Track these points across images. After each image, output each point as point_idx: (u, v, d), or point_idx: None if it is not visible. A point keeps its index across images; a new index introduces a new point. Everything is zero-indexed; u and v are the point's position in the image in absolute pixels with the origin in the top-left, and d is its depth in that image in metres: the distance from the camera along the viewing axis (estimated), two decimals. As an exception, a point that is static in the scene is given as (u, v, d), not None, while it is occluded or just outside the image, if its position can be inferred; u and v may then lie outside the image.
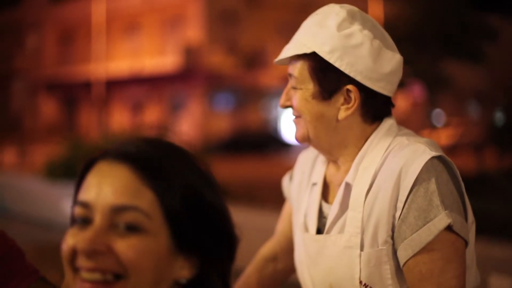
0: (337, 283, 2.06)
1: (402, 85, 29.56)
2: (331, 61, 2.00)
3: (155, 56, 42.74)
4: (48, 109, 50.84)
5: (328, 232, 2.10)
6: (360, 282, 2.00)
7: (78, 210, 1.31)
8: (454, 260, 1.91)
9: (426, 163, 1.92)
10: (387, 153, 2.02)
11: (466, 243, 1.96)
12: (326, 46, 2.01)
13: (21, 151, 26.22)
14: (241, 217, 8.63)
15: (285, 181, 2.46)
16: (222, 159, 24.24)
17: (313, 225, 2.17)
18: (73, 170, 13.60)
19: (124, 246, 1.25)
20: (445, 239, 1.90)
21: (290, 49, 2.09)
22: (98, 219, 1.27)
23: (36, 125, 48.91)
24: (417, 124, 30.05)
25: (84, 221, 1.30)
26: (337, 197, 2.07)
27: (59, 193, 13.56)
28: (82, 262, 1.26)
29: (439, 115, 40.08)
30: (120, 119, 41.74)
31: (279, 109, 36.79)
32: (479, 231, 6.06)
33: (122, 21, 45.11)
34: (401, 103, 34.37)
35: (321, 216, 2.17)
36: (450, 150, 32.87)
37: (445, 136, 34.92)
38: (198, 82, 40.74)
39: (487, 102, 27.42)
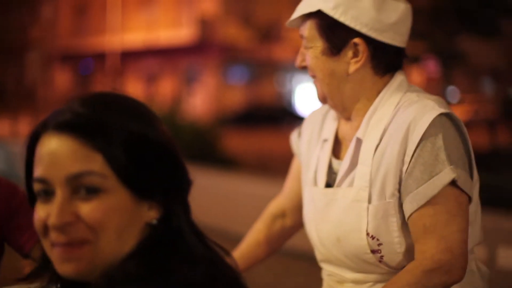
0: (345, 236, 2.10)
1: (416, 60, 29.50)
2: (336, 16, 2.05)
3: (170, 28, 42.67)
4: (63, 79, 50.94)
5: (338, 186, 2.14)
6: (368, 234, 2.05)
7: (37, 186, 1.37)
8: (457, 214, 1.95)
9: (434, 119, 1.97)
10: (397, 108, 2.07)
11: (470, 199, 2.00)
12: (329, 3, 2.06)
13: (36, 121, 26.31)
14: (254, 187, 8.69)
15: (294, 137, 2.50)
16: (236, 132, 24.26)
17: (322, 180, 2.22)
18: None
19: (89, 209, 1.33)
20: (449, 193, 1.94)
21: (298, 10, 2.14)
22: (58, 192, 1.34)
23: (50, 95, 49.02)
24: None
25: (46, 193, 1.36)
26: (348, 152, 2.12)
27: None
28: (54, 237, 1.34)
29: (453, 91, 39.92)
30: (134, 91, 41.74)
31: (293, 82, 36.89)
32: (492, 204, 6.09)
33: (137, -8, 45.07)
34: (416, 78, 34.26)
35: (331, 172, 2.21)
36: (465, 126, 32.87)
37: (459, 113, 34.84)
38: (213, 55, 40.69)
39: (502, 79, 27.25)
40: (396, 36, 2.08)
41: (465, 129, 2.04)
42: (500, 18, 25.48)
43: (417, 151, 1.97)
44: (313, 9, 2.09)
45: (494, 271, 6.60)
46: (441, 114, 1.99)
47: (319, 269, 2.34)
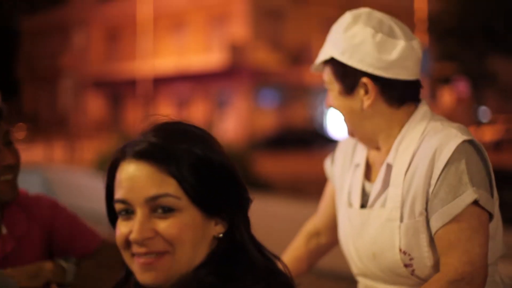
0: (380, 252, 2.32)
1: (447, 81, 29.52)
2: (344, 61, 2.32)
3: (201, 53, 42.95)
4: (95, 105, 51.41)
5: (371, 207, 2.37)
6: (400, 250, 2.26)
7: (119, 206, 1.61)
8: (479, 230, 2.15)
9: (458, 145, 2.18)
10: (423, 136, 2.29)
11: (491, 216, 2.20)
12: (338, 49, 2.34)
13: (69, 146, 26.56)
14: (288, 209, 8.79)
15: (327, 163, 2.75)
16: (268, 155, 24.37)
17: (357, 201, 2.44)
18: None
19: (166, 226, 1.57)
20: (472, 212, 2.15)
21: (318, 59, 2.44)
22: (139, 211, 1.58)
23: (83, 121, 49.49)
24: (463, 120, 29.90)
25: (127, 212, 1.61)
26: (379, 175, 2.35)
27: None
28: (136, 249, 1.59)
29: (484, 111, 39.79)
30: (166, 115, 42.06)
31: (324, 105, 36.93)
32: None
33: (168, 18, 45.43)
34: (447, 99, 34.22)
35: (364, 194, 2.44)
36: (496, 145, 32.69)
37: (491, 132, 34.69)
38: (244, 79, 40.88)
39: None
40: (400, 71, 2.31)
41: (485, 153, 2.24)
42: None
43: (443, 174, 2.17)
44: (327, 56, 2.37)
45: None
46: (464, 141, 2.20)
47: (342, 286, 2.54)
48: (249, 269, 1.58)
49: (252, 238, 1.66)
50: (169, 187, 1.57)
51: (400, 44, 2.33)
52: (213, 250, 1.62)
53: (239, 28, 41.18)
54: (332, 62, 2.38)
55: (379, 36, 2.32)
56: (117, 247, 2.27)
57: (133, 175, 1.58)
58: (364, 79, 2.32)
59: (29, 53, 57.70)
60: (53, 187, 15.20)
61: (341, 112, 2.42)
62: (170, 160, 1.58)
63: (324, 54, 2.40)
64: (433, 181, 2.20)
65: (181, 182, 1.57)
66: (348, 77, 2.34)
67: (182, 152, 1.59)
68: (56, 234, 2.57)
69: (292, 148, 33.84)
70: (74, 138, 30.62)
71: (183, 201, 1.58)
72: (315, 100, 43.29)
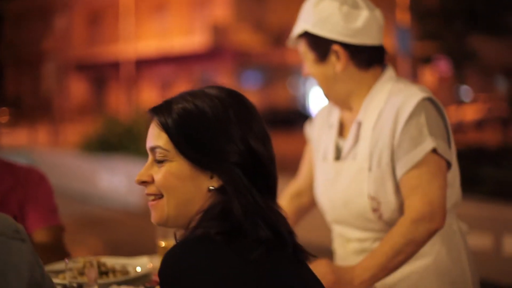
0: (350, 199, 2.62)
1: (429, 60, 29.60)
2: (316, 32, 2.63)
3: (183, 35, 42.90)
4: (78, 89, 51.30)
5: (344, 159, 2.67)
6: (369, 196, 2.57)
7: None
8: (438, 175, 2.48)
9: (418, 102, 2.51)
10: (389, 95, 2.60)
11: (449, 164, 2.54)
12: (310, 23, 2.64)
13: (53, 130, 26.58)
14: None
15: (306, 126, 3.05)
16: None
17: (331, 156, 2.74)
18: (107, 145, 13.99)
19: (157, 174, 1.81)
20: (431, 159, 2.48)
21: (293, 33, 2.75)
22: (149, 158, 1.86)
23: (66, 104, 49.37)
24: (444, 99, 30.10)
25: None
26: (351, 132, 2.66)
27: (94, 167, 13.95)
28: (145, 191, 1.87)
29: (466, 91, 39.95)
30: (149, 98, 42.02)
31: (307, 86, 36.94)
32: (500, 196, 6.46)
33: (150, 0, 45.32)
34: (428, 78, 34.39)
35: (337, 150, 2.74)
36: (478, 124, 32.89)
37: (472, 111, 34.87)
38: (226, 60, 40.93)
39: (514, 76, 27.42)
40: (365, 37, 2.63)
41: (443, 109, 2.57)
42: (510, 16, 25.57)
43: (405, 127, 2.49)
44: (300, 30, 2.69)
45: (500, 258, 6.88)
46: (423, 98, 2.53)
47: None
48: (219, 222, 1.72)
49: (252, 203, 1.76)
50: (161, 140, 1.80)
51: (364, 14, 2.62)
52: (210, 203, 1.78)
53: (221, 10, 41.16)
54: (305, 35, 2.67)
55: (345, 8, 2.62)
56: (57, 240, 2.57)
57: (150, 128, 1.84)
58: (335, 46, 2.62)
59: (11, 37, 57.26)
60: (40, 168, 15.30)
61: (317, 78, 2.71)
62: (166, 115, 1.81)
63: (298, 28, 2.70)
64: (396, 134, 2.51)
65: (170, 135, 1.79)
66: (320, 46, 2.64)
67: (177, 108, 1.81)
68: (26, 198, 2.81)
69: (275, 128, 33.93)
70: (57, 121, 30.63)
71: (172, 153, 1.79)
72: (297, 80, 43.38)
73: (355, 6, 2.64)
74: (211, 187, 1.78)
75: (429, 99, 2.55)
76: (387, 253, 2.42)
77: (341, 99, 2.71)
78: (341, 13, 2.61)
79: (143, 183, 1.83)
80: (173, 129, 1.78)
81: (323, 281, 2.01)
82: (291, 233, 1.79)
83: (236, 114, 1.82)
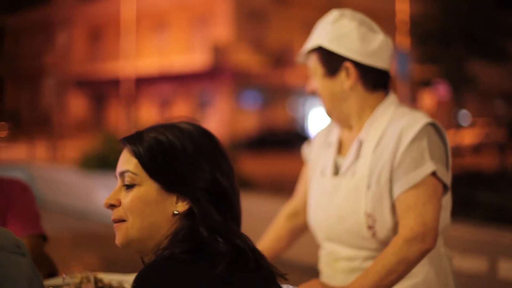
0: (347, 214, 2.67)
1: (428, 83, 29.64)
2: (331, 48, 2.70)
3: (183, 54, 42.99)
4: (77, 105, 51.34)
5: (343, 176, 2.73)
6: (365, 213, 2.62)
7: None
8: (434, 198, 2.54)
9: (422, 126, 2.58)
10: (392, 118, 2.68)
11: (445, 188, 2.62)
12: (326, 38, 2.71)
13: (52, 145, 26.57)
14: (269, 206, 8.95)
15: (304, 147, 3.09)
16: (249, 156, 24.48)
17: (330, 172, 2.79)
18: (106, 162, 14.01)
19: (125, 198, 1.87)
20: (429, 182, 2.55)
21: (306, 47, 2.81)
22: (118, 184, 1.92)
23: (65, 120, 49.41)
24: (443, 123, 30.07)
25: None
26: (351, 149, 2.73)
27: (93, 184, 13.97)
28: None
29: (464, 115, 40.04)
30: (148, 116, 42.10)
31: (306, 107, 36.92)
32: (496, 220, 6.49)
33: (151, 19, 45.45)
34: (427, 102, 34.44)
35: (335, 167, 2.80)
36: (475, 148, 32.92)
37: (470, 136, 34.93)
38: (226, 80, 41.00)
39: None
40: (378, 60, 2.71)
41: (445, 135, 2.65)
42: (508, 42, 25.70)
43: (407, 149, 2.57)
44: (315, 45, 2.75)
45: (495, 282, 6.90)
46: (427, 123, 2.60)
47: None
48: (192, 249, 1.77)
49: (217, 223, 1.83)
50: (131, 164, 1.87)
51: (380, 37, 2.72)
52: (176, 227, 1.85)
53: (221, 29, 41.28)
54: (319, 50, 2.74)
55: (363, 29, 2.71)
56: (38, 249, 2.61)
57: (121, 155, 1.92)
58: (347, 64, 2.69)
59: (11, 51, 57.55)
60: (37, 184, 15.32)
61: (323, 93, 2.78)
62: (137, 143, 1.88)
63: (311, 43, 2.77)
64: (398, 155, 2.58)
65: (140, 159, 1.86)
66: (333, 61, 2.71)
67: (148, 137, 1.89)
68: (8, 208, 2.87)
69: (273, 149, 33.99)
70: (56, 137, 30.66)
71: (140, 177, 1.86)
72: (296, 101, 43.48)
73: (371, 29, 2.74)
74: (175, 212, 1.85)
75: (432, 124, 2.63)
76: (380, 272, 2.46)
77: (343, 117, 2.78)
78: (358, 33, 2.70)
79: (111, 206, 1.89)
80: (143, 154, 1.86)
81: None
82: (254, 251, 1.84)
83: (205, 150, 1.90)
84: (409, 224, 2.51)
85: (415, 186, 2.54)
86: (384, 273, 2.45)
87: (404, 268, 2.48)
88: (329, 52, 2.71)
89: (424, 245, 2.48)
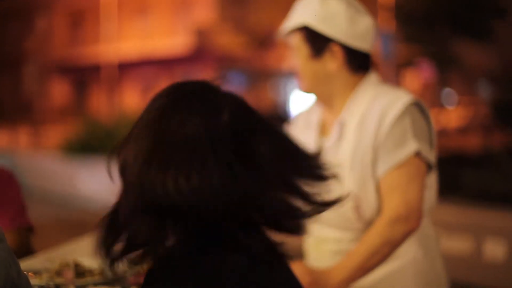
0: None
1: (412, 64, 29.70)
2: (318, 28, 2.64)
3: (166, 38, 42.91)
4: (59, 91, 51.14)
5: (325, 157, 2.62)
6: (350, 194, 2.59)
7: None
8: (417, 177, 2.52)
9: (405, 105, 2.56)
10: (373, 97, 2.64)
11: (430, 167, 2.60)
12: (313, 18, 2.64)
13: (34, 132, 26.53)
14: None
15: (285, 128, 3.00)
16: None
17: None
18: (89, 147, 13.96)
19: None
20: (412, 161, 2.52)
21: (288, 25, 2.74)
22: None
23: (47, 106, 49.24)
24: (428, 103, 30.20)
25: None
26: (334, 130, 2.70)
27: (76, 170, 13.92)
28: None
29: (450, 94, 40.17)
30: (131, 100, 42.03)
31: (289, 89, 36.99)
32: (482, 200, 6.49)
33: (133, 2, 45.29)
34: (411, 82, 34.53)
35: (318, 148, 2.76)
36: (460, 129, 33.04)
37: (456, 116, 35.06)
38: (209, 63, 40.95)
39: (497, 81, 27.62)
40: (363, 42, 2.67)
41: (428, 113, 2.63)
42: (492, 20, 25.72)
43: (390, 129, 2.53)
44: (300, 24, 2.68)
45: (481, 262, 6.91)
46: (409, 102, 2.58)
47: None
48: None
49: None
50: None
51: (367, 20, 2.69)
52: None
53: (204, 12, 41.20)
54: (304, 29, 2.69)
55: (351, 10, 2.66)
56: (24, 241, 2.52)
57: None
58: (334, 46, 2.66)
59: (-9, 38, 57.27)
60: (20, 171, 15.25)
61: (305, 74, 2.74)
62: None
63: (296, 21, 2.71)
64: (380, 135, 2.55)
65: None
66: (318, 42, 2.67)
67: None
68: None
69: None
70: (39, 123, 30.58)
71: None
72: (279, 84, 43.50)
73: (359, 11, 2.69)
74: None
75: (415, 103, 2.60)
76: (364, 254, 2.44)
77: (325, 98, 2.75)
78: (346, 15, 2.65)
79: None
80: None
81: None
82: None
83: None
84: (392, 205, 2.49)
85: (398, 166, 2.51)
86: (368, 254, 2.44)
87: (388, 249, 2.47)
88: (315, 32, 2.66)
89: (408, 225, 2.47)
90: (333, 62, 2.66)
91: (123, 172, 1.57)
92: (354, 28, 2.64)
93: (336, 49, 2.65)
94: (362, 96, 2.67)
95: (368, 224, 2.60)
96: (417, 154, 2.52)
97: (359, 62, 2.71)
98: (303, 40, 2.69)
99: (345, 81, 2.69)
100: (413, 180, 2.50)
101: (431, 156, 2.58)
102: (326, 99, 2.75)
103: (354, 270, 2.44)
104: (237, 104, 1.67)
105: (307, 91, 2.79)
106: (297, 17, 2.71)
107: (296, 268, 2.36)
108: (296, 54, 2.73)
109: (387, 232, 2.44)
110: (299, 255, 2.91)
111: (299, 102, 42.30)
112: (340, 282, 2.44)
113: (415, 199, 2.48)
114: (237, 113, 1.61)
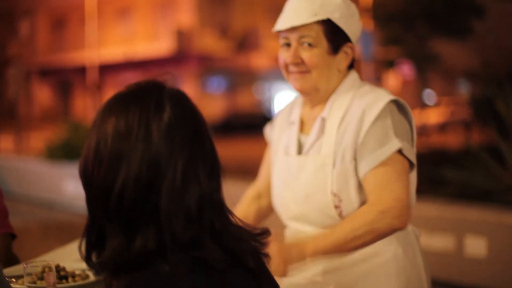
0: (313, 193, 2.63)
1: (392, 64, 29.79)
2: (340, 24, 2.62)
3: (148, 40, 42.86)
4: (43, 95, 50.96)
5: (307, 153, 2.69)
6: (331, 192, 2.58)
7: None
8: (402, 174, 2.53)
9: (385, 104, 2.55)
10: (354, 95, 2.65)
11: (411, 165, 2.60)
12: (336, 13, 2.62)
13: (17, 136, 26.39)
14: (235, 189, 9.00)
15: (267, 129, 3.05)
16: (216, 140, 24.48)
17: (294, 150, 2.75)
18: (73, 152, 13.94)
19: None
20: (396, 158, 2.52)
21: (303, 17, 2.63)
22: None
23: (31, 111, 49.01)
24: (408, 102, 30.19)
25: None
26: (314, 127, 2.68)
27: (60, 174, 13.89)
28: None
29: (429, 94, 40.28)
30: (114, 104, 41.87)
31: (272, 90, 36.71)
32: (461, 197, 6.56)
33: (114, 5, 45.20)
34: (392, 82, 34.63)
35: (299, 145, 2.76)
36: (441, 127, 33.17)
37: (436, 115, 35.18)
38: (191, 65, 40.93)
39: (475, 79, 27.70)
40: (358, 43, 2.73)
41: (409, 110, 2.63)
42: (470, 19, 25.84)
43: (371, 128, 2.53)
44: (322, 17, 2.61)
45: (463, 259, 6.99)
46: (390, 101, 2.57)
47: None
48: None
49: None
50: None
51: (360, 23, 2.73)
52: None
53: (185, 15, 41.19)
54: (326, 22, 2.63)
55: (357, 11, 2.71)
56: (6, 248, 2.51)
57: None
58: (350, 45, 2.67)
59: (-27, 42, 56.94)
60: (3, 175, 15.23)
61: (320, 68, 2.64)
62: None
63: (316, 14, 2.61)
64: (362, 134, 2.54)
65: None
66: (338, 39, 2.64)
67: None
68: None
69: (240, 133, 34.02)
70: (22, 128, 30.42)
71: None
72: (262, 85, 43.51)
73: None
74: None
75: (395, 101, 2.60)
76: (347, 235, 2.44)
77: (323, 95, 2.70)
78: (358, 16, 2.70)
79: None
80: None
81: (272, 265, 2.04)
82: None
83: None
84: (383, 198, 2.48)
85: (383, 163, 2.51)
86: (350, 237, 2.44)
87: (371, 238, 2.47)
88: (337, 28, 2.63)
89: (397, 222, 2.47)
90: (345, 61, 2.67)
91: (81, 175, 1.60)
92: (359, 29, 2.71)
93: (349, 49, 2.66)
94: (344, 94, 2.67)
95: None
96: (400, 152, 2.52)
97: (352, 62, 2.74)
98: (324, 34, 2.63)
99: (338, 78, 2.70)
100: (400, 177, 2.51)
101: (412, 154, 2.59)
102: (322, 96, 2.70)
103: (331, 247, 2.45)
104: (179, 102, 1.64)
105: (313, 87, 2.68)
106: (317, 9, 2.62)
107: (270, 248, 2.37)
108: (313, 46, 2.63)
109: (376, 221, 2.44)
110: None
111: (282, 103, 42.28)
112: (315, 251, 2.44)
113: (404, 196, 2.49)
114: (178, 111, 1.59)
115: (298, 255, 2.44)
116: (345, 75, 2.71)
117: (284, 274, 2.43)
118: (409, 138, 2.60)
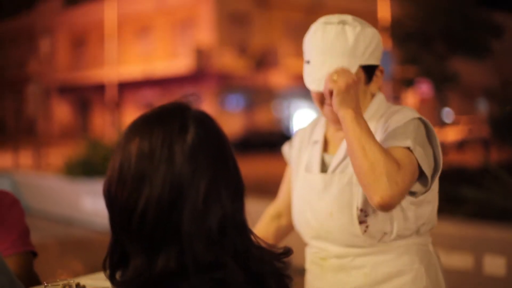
0: (337, 210, 2.60)
1: (410, 83, 29.74)
2: (368, 62, 2.61)
3: (167, 58, 43.02)
4: (62, 112, 51.23)
5: (333, 172, 2.65)
6: (357, 208, 2.55)
7: None
8: (409, 166, 2.37)
9: (411, 119, 2.49)
10: (382, 115, 2.63)
11: (421, 171, 2.44)
12: (360, 58, 2.59)
13: (36, 153, 26.51)
14: (254, 208, 9.00)
15: (285, 148, 3.02)
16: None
17: (317, 168, 2.72)
18: (91, 169, 14.01)
19: None
20: (407, 153, 2.39)
21: (344, 72, 2.52)
22: None
23: (50, 128, 49.30)
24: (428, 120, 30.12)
25: None
26: (341, 147, 2.65)
27: (78, 191, 13.95)
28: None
29: (448, 113, 40.18)
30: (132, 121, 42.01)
31: (291, 108, 36.73)
32: (480, 216, 6.52)
33: (134, 24, 45.44)
34: (410, 101, 34.55)
35: (322, 164, 2.73)
36: (459, 145, 33.05)
37: (454, 133, 35.07)
38: (210, 83, 41.02)
39: (494, 98, 27.64)
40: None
41: (433, 130, 2.54)
42: (489, 38, 25.81)
43: (392, 128, 2.48)
44: (355, 68, 2.57)
45: (481, 278, 6.95)
46: (415, 118, 2.50)
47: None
48: None
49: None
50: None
51: (382, 45, 2.70)
52: None
53: (204, 33, 41.32)
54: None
55: (380, 36, 2.68)
56: (27, 267, 2.48)
57: None
58: (380, 67, 2.68)
59: (-5, 60, 57.38)
60: (22, 192, 15.30)
61: (360, 96, 2.62)
62: None
63: (353, 66, 2.58)
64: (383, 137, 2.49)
65: None
66: (372, 69, 2.64)
67: None
68: None
69: (258, 151, 34.02)
70: (41, 144, 30.56)
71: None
72: (280, 103, 43.53)
73: None
74: None
75: (420, 119, 2.53)
76: (369, 138, 2.35)
77: None
78: (378, 37, 2.67)
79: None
80: None
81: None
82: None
83: None
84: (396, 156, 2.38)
85: (392, 148, 2.40)
86: (364, 142, 2.35)
87: (368, 163, 2.33)
88: (369, 65, 2.62)
89: (386, 192, 2.31)
90: (377, 85, 2.68)
91: (105, 195, 1.60)
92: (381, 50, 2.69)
93: (379, 72, 2.68)
94: (372, 115, 2.65)
95: (373, 239, 2.57)
96: (411, 152, 2.40)
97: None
98: (361, 70, 2.61)
99: (367, 103, 2.69)
100: (407, 167, 2.36)
101: (428, 164, 2.46)
102: None
103: (355, 126, 2.38)
104: (203, 124, 1.65)
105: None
106: (352, 59, 2.59)
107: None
108: (359, 81, 2.57)
109: (388, 156, 2.33)
110: (300, 272, 2.86)
111: (301, 121, 42.35)
112: (352, 112, 2.41)
113: (402, 184, 2.33)
114: (201, 133, 1.60)
115: (353, 95, 2.44)
116: (373, 96, 2.70)
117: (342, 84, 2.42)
118: (427, 150, 2.46)
